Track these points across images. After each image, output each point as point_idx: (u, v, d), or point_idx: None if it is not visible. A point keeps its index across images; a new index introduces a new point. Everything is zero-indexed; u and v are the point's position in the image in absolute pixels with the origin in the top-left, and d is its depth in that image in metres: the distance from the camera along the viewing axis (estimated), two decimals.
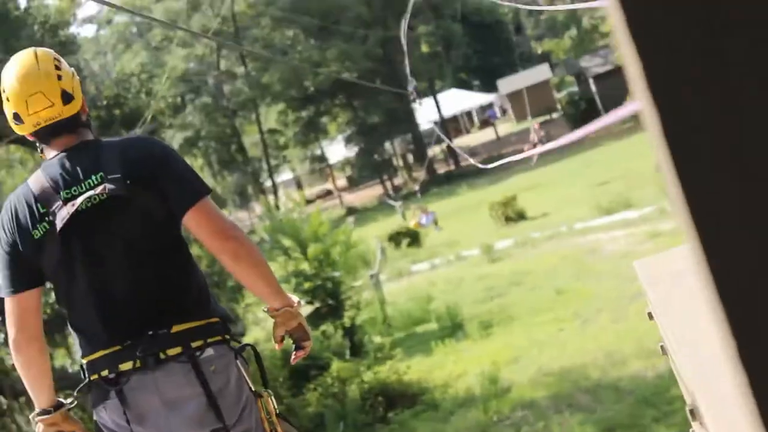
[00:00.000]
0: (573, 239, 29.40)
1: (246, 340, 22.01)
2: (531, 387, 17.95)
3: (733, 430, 1.18)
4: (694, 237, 0.75)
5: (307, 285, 22.61)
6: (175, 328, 4.04)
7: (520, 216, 34.91)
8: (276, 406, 4.38)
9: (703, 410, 1.39)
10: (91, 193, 4.05)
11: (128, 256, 4.08)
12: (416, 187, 47.31)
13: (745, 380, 0.76)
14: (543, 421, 16.15)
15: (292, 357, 4.53)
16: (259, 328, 22.97)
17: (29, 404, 10.37)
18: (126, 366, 4.02)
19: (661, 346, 1.79)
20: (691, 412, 1.51)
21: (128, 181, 4.04)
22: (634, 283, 15.17)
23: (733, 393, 1.22)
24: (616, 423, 15.19)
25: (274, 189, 58.28)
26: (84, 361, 4.15)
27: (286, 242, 23.41)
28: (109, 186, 4.03)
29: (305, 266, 23.10)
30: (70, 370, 17.23)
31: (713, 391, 1.31)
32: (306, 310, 23.36)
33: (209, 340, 4.10)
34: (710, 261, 0.75)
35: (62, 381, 12.80)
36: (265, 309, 4.43)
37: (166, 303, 4.09)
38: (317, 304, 23.06)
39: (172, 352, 4.02)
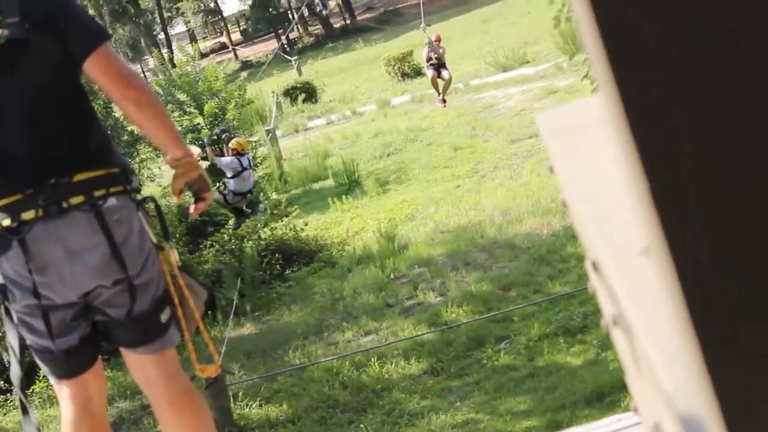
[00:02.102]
0: (469, 95, 29.50)
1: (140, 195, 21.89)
2: (428, 244, 18.13)
3: (635, 279, 1.17)
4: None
5: (203, 134, 22.40)
6: (77, 177, 3.95)
7: (417, 72, 34.85)
8: (178, 259, 4.35)
9: (605, 262, 1.38)
10: None
11: (28, 103, 3.96)
12: None
13: (658, 230, 0.74)
14: (440, 278, 16.35)
15: (192, 209, 4.49)
16: (154, 185, 22.77)
17: None
18: (28, 215, 3.93)
19: (563, 200, 1.77)
20: (593, 264, 1.50)
21: (27, 25, 3.91)
22: (530, 140, 15.40)
23: (636, 245, 1.22)
24: (511, 281, 15.43)
25: (168, 42, 57.30)
26: None
27: (181, 97, 23.07)
28: (6, 30, 3.89)
29: (200, 121, 22.84)
30: None
31: (615, 243, 1.31)
32: (202, 165, 23.17)
33: (111, 190, 4.03)
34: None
35: None
36: (165, 161, 4.38)
37: (67, 151, 4.00)
38: None
39: (74, 200, 3.94)
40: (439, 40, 23.58)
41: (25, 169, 3.96)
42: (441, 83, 23.54)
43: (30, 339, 4.15)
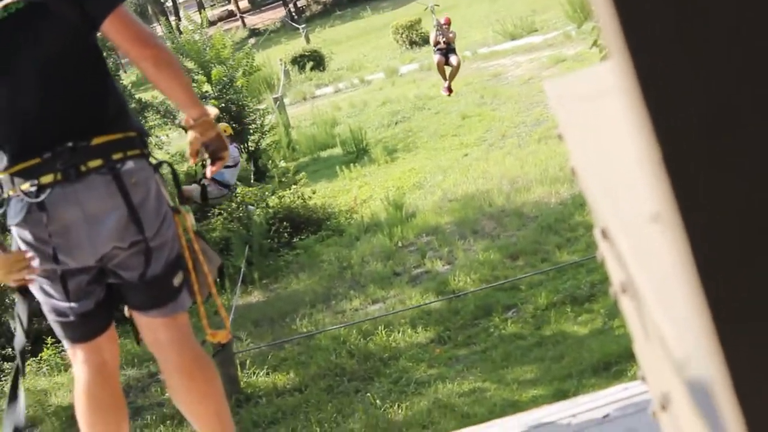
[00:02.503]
0: (477, 63, 29.42)
1: None
2: (435, 213, 18.12)
3: (646, 247, 1.16)
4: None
5: (211, 104, 22.41)
6: (95, 141, 3.96)
7: (425, 40, 34.66)
8: (194, 223, 4.36)
9: (614, 230, 1.37)
10: (7, 1, 3.91)
11: (46, 66, 3.97)
12: None
13: (670, 194, 0.73)
14: (447, 246, 16.35)
15: (208, 170, 4.50)
16: (162, 152, 22.78)
17: None
18: (47, 179, 3.94)
19: (571, 168, 1.77)
20: (602, 231, 1.50)
21: None
22: (537, 108, 15.36)
23: (646, 212, 1.21)
24: (519, 249, 15.42)
25: (175, 10, 57.18)
26: (1, 176, 4.05)
27: (189, 64, 23.06)
28: None
29: (208, 89, 22.84)
30: None
31: (625, 210, 1.30)
32: None
33: (129, 153, 4.04)
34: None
35: None
36: (182, 122, 4.40)
37: (85, 115, 4.01)
38: None
39: (93, 164, 3.95)
40: (449, 23, 21.94)
41: (43, 133, 3.97)
42: (448, 70, 22.04)
43: (47, 303, 4.17)
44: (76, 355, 4.25)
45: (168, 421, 12.70)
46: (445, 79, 22.05)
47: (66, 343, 4.29)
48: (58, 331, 4.25)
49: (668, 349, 1.06)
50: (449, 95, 22.58)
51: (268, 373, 13.23)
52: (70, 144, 3.93)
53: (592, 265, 13.33)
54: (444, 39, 21.38)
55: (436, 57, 21.81)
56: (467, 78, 27.07)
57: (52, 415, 13.51)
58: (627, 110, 0.75)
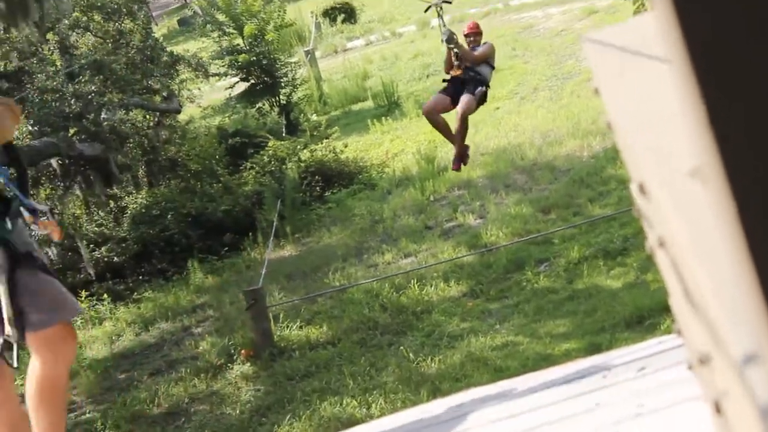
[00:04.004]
0: (509, 16, 29.21)
1: (181, 117, 21.89)
2: (467, 166, 18.07)
3: (685, 202, 1.16)
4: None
5: (242, 59, 22.39)
6: None
7: None
8: None
9: (653, 185, 1.36)
10: None
11: None
12: None
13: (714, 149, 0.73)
14: (479, 200, 16.33)
15: None
16: (194, 106, 22.81)
17: None
18: None
19: (607, 122, 1.75)
20: (640, 186, 1.49)
21: None
22: (570, 60, 15.17)
23: (685, 167, 1.20)
24: (551, 203, 15.38)
25: None
26: None
27: (221, 17, 23.06)
28: None
29: (240, 42, 22.82)
30: None
31: (664, 165, 1.29)
32: (241, 87, 23.16)
33: None
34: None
35: None
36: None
37: None
38: (252, 81, 22.89)
39: None
40: (476, 31, 12.58)
41: None
42: (451, 121, 12.37)
43: None
44: None
45: (202, 374, 12.81)
46: (452, 141, 12.58)
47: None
48: None
49: (708, 303, 1.05)
50: (458, 170, 13.20)
51: (301, 327, 13.29)
52: None
53: (624, 218, 13.28)
54: (462, 61, 11.95)
55: (433, 98, 12.48)
56: (499, 30, 26.88)
57: (87, 368, 13.65)
58: (669, 66, 0.74)
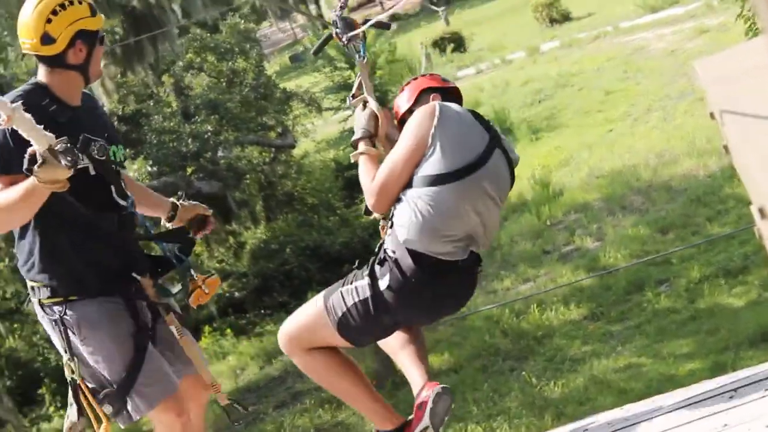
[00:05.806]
0: (619, 38, 29.04)
1: (296, 152, 22.18)
2: (583, 190, 18.02)
3: None
4: None
5: None
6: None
7: (565, 17, 34.46)
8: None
9: None
10: None
11: None
12: None
13: None
14: (596, 223, 16.25)
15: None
16: (308, 140, 23.11)
17: None
18: None
19: (724, 146, 1.82)
20: (760, 210, 1.55)
21: None
22: (682, 80, 15.06)
23: None
24: (669, 223, 15.24)
25: None
26: None
27: (331, 52, 23.34)
28: None
29: (351, 75, 23.07)
30: None
31: None
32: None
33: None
34: None
35: None
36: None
37: None
38: None
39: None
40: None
41: None
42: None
43: None
44: None
45: (326, 405, 12.95)
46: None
47: None
48: None
49: None
50: None
51: None
52: None
53: (744, 237, 13.12)
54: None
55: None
56: (609, 53, 26.77)
57: (213, 402, 13.86)
58: None
